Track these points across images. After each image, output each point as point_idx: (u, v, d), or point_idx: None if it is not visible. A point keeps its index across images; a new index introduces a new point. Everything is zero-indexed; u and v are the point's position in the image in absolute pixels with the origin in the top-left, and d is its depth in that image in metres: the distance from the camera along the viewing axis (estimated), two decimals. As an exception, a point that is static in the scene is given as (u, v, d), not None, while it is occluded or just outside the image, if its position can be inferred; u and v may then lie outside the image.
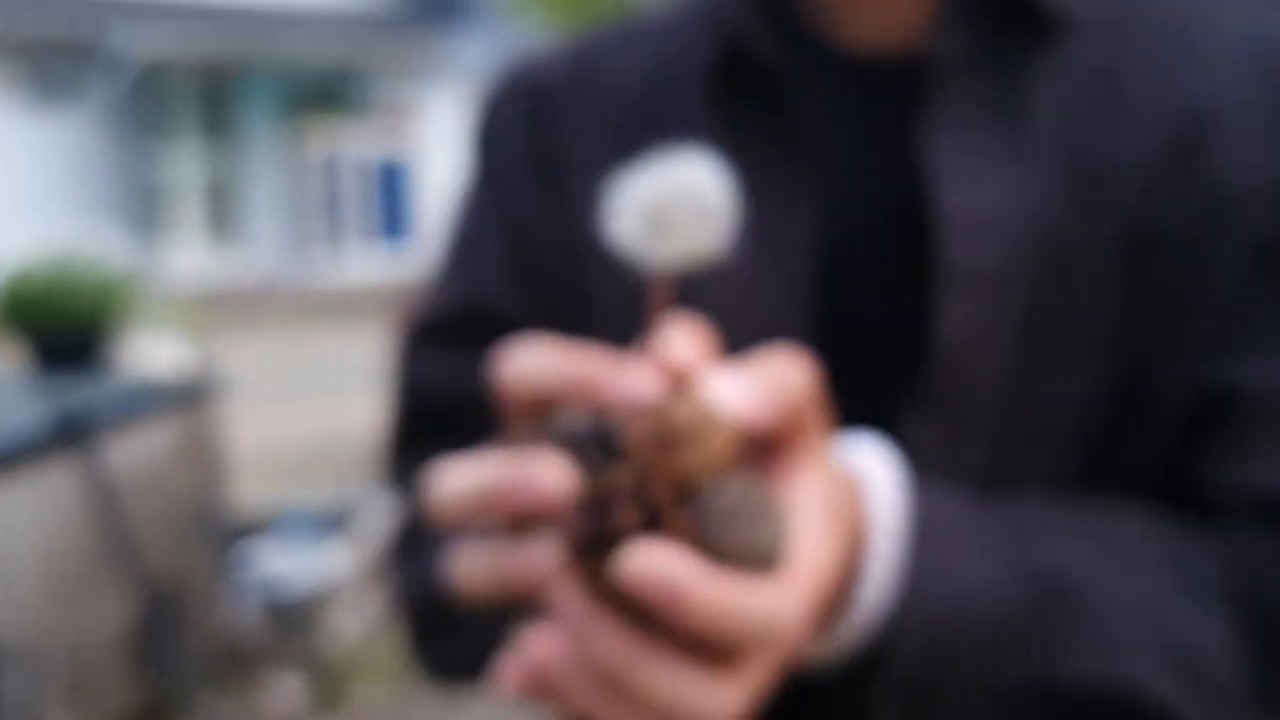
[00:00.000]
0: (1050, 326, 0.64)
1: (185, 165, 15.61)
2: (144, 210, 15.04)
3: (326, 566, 4.24)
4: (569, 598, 0.46)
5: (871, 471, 0.56)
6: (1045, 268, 0.64)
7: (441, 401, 0.79)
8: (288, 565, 4.16)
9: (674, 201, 0.46)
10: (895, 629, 0.55)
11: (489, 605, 0.50)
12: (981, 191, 0.64)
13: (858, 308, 0.68)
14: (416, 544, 0.77)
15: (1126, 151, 0.65)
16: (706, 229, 0.46)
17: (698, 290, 0.69)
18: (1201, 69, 0.66)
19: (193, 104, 15.68)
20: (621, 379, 0.46)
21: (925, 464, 0.62)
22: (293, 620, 4.04)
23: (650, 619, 0.44)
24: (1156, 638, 0.59)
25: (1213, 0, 0.69)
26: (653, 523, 0.44)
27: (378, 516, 4.96)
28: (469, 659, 0.69)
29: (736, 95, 0.71)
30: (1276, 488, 0.62)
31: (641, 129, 0.74)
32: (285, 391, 8.72)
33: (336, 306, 13.62)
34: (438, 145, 16.11)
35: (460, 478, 0.48)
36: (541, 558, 0.46)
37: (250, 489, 5.17)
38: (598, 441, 0.46)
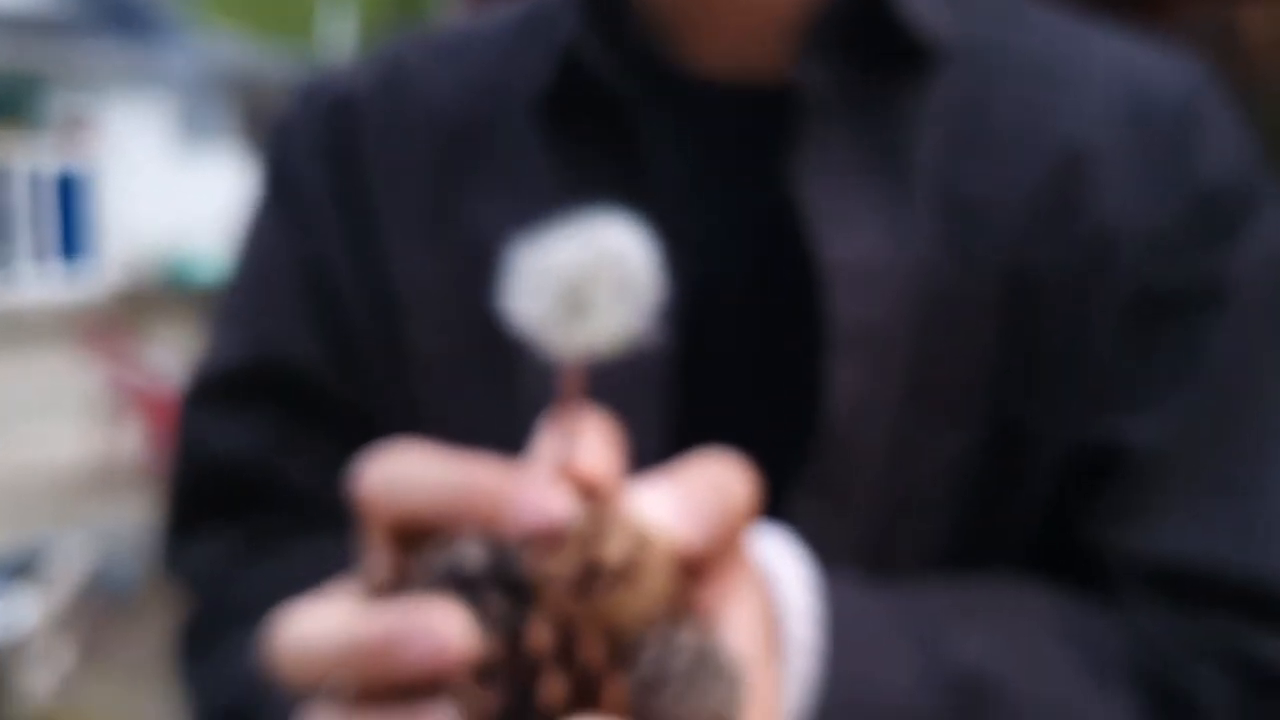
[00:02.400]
0: (931, 384, 0.61)
1: None
2: None
3: (11, 618, 3.89)
4: None
5: (782, 573, 0.50)
6: (928, 320, 0.60)
7: (233, 472, 0.68)
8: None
9: (595, 276, 0.38)
10: None
11: None
12: (861, 240, 0.60)
13: (724, 372, 0.62)
14: (210, 643, 0.67)
15: (1001, 191, 0.61)
16: (631, 308, 0.38)
17: (532, 368, 0.62)
18: (1072, 108, 0.63)
19: None
20: (529, 496, 0.37)
21: (809, 539, 0.56)
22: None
23: None
24: None
25: (1079, 33, 0.66)
26: (584, 691, 0.36)
27: (69, 559, 4.60)
28: None
29: (574, 123, 0.64)
30: (1168, 556, 0.60)
31: (463, 159, 0.66)
32: (-48, 425, 7.98)
33: (8, 331, 12.62)
34: (124, 159, 15.21)
35: (316, 625, 0.38)
36: None
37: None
38: (500, 582, 0.36)
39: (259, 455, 0.67)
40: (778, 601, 0.49)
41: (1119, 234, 0.61)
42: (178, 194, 15.31)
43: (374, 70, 0.70)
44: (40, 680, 3.93)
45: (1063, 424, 0.61)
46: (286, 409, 0.67)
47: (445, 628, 0.35)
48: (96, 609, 4.60)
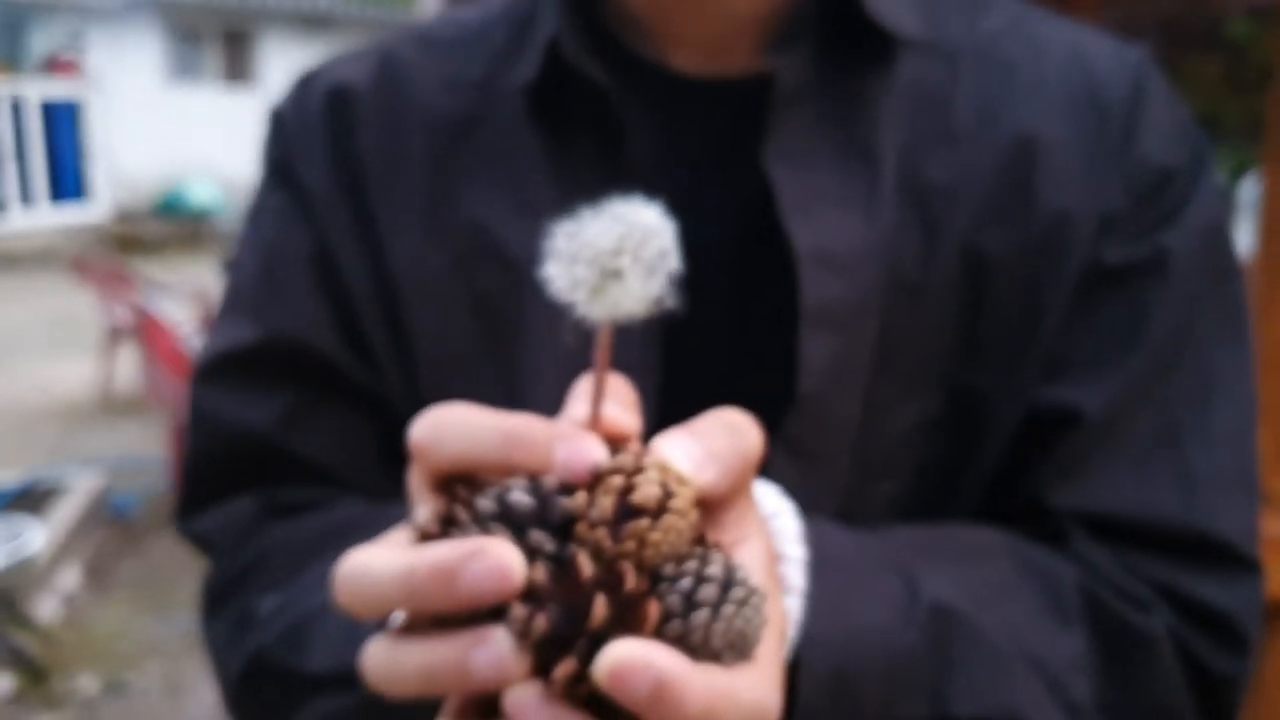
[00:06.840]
0: (897, 358, 0.65)
1: None
2: None
3: (15, 546, 3.94)
4: (531, 703, 0.39)
5: (778, 522, 0.55)
6: (894, 299, 0.64)
7: (249, 445, 0.70)
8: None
9: (626, 248, 0.42)
10: (800, 684, 0.54)
11: (409, 702, 0.43)
12: (831, 223, 0.64)
13: (704, 346, 0.66)
14: (231, 602, 0.69)
15: (961, 179, 0.66)
16: (657, 277, 0.42)
17: (528, 346, 0.65)
18: (1027, 99, 0.67)
19: None
20: (570, 443, 0.41)
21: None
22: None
23: None
24: (1029, 659, 0.60)
25: (1033, 23, 0.70)
26: (624, 614, 0.40)
27: (74, 486, 4.65)
28: None
29: (561, 114, 0.67)
30: (1112, 510, 0.65)
31: (457, 150, 0.69)
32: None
33: (5, 264, 12.58)
34: (115, 89, 15.04)
35: (379, 559, 0.42)
36: (495, 657, 0.39)
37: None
38: (544, 522, 0.41)
39: (273, 429, 0.70)
40: (777, 545, 0.54)
41: (1071, 217, 0.65)
42: (170, 123, 15.16)
43: (366, 63, 0.73)
44: (47, 604, 4.00)
45: (1017, 391, 0.66)
46: (299, 385, 0.70)
47: (505, 555, 0.39)
48: (101, 534, 4.66)
